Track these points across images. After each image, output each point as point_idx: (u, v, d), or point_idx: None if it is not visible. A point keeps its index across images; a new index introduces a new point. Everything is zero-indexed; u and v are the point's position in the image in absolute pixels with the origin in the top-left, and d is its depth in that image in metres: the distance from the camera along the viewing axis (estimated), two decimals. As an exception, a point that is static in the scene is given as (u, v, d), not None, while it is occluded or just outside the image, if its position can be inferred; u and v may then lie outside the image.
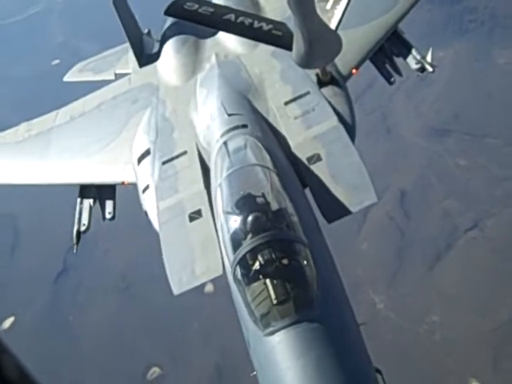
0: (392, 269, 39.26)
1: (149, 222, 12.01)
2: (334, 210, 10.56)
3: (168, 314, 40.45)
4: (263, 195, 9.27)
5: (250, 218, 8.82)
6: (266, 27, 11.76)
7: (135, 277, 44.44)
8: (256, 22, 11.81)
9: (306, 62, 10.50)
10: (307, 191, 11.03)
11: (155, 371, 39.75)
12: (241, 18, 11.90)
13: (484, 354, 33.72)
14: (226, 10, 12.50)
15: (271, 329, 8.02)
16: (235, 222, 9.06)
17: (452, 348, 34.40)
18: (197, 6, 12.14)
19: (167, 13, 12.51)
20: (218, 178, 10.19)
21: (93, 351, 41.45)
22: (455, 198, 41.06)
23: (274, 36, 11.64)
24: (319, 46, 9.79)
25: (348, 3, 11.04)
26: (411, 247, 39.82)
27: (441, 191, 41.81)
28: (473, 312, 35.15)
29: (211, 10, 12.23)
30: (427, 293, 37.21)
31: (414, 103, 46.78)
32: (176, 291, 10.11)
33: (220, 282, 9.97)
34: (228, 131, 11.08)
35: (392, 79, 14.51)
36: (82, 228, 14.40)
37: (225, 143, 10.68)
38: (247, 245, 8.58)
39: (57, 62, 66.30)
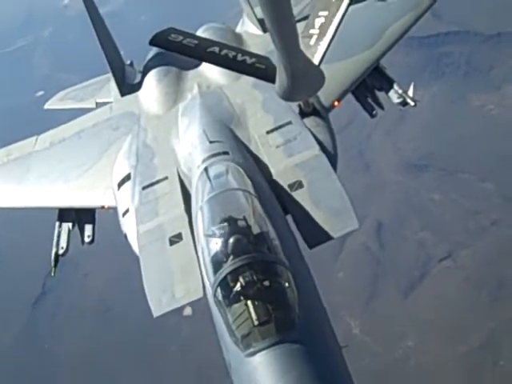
0: (368, 296, 41.27)
1: (128, 246, 12.18)
2: (316, 235, 10.78)
3: (146, 337, 41.91)
4: (244, 218, 9.34)
5: (231, 241, 8.88)
6: (249, 60, 11.85)
7: (114, 300, 45.65)
8: (240, 55, 11.91)
9: (288, 96, 10.64)
10: (289, 218, 11.24)
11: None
12: (225, 51, 12.03)
13: (457, 377, 35.73)
14: (210, 42, 12.66)
15: (252, 350, 8.12)
16: (216, 244, 9.13)
17: (426, 373, 36.35)
18: (181, 37, 12.31)
19: (152, 43, 12.59)
20: (199, 201, 10.31)
21: (70, 374, 42.66)
22: (430, 230, 43.44)
23: (258, 69, 11.74)
24: (302, 81, 9.90)
25: (331, 40, 11.07)
26: (386, 276, 41.90)
27: (416, 223, 44.15)
28: (446, 338, 37.28)
29: (195, 41, 12.38)
30: (402, 319, 39.20)
31: (392, 140, 49.37)
32: (156, 313, 10.29)
33: (198, 305, 10.28)
34: (209, 157, 11.30)
35: (374, 112, 14.92)
36: (61, 251, 14.59)
37: (206, 169, 10.81)
38: (228, 266, 8.63)
39: (41, 93, 68.26)
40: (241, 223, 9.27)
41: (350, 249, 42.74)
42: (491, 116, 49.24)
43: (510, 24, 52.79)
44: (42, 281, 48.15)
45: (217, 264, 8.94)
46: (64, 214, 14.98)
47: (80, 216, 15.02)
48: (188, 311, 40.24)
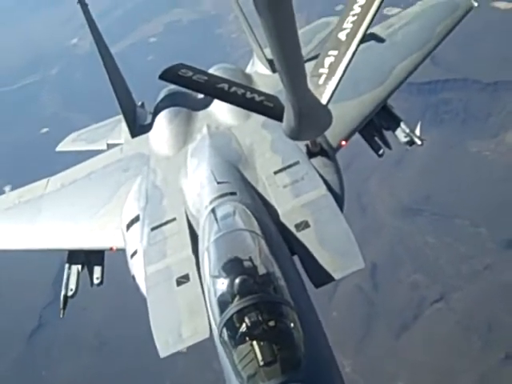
0: (360, 336, 42.73)
1: (136, 287, 12.32)
2: (322, 275, 10.85)
3: (140, 372, 43.24)
4: (250, 259, 9.42)
5: (236, 281, 8.97)
6: (258, 98, 11.95)
7: (109, 335, 47.05)
8: (248, 93, 12.02)
9: (295, 135, 10.72)
10: (296, 258, 11.30)
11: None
12: (234, 88, 12.13)
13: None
14: (220, 79, 12.81)
15: None
16: (222, 284, 9.21)
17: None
18: (191, 73, 12.38)
19: (162, 77, 12.59)
20: (206, 242, 10.42)
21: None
22: (423, 273, 44.99)
23: (266, 107, 11.83)
24: (309, 121, 10.04)
25: (340, 80, 11.10)
26: (379, 317, 43.25)
27: (410, 266, 45.78)
28: (436, 380, 38.54)
29: (205, 78, 12.50)
30: (394, 359, 40.54)
31: (389, 184, 51.13)
32: (162, 354, 10.31)
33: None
34: (217, 198, 11.44)
35: (381, 151, 15.09)
36: (70, 293, 14.73)
37: (213, 210, 10.94)
38: (234, 306, 8.71)
39: (45, 130, 71.22)
40: (247, 264, 9.39)
41: (344, 289, 43.97)
42: (487, 162, 51.05)
43: (507, 73, 55.01)
44: (38, 313, 49.73)
45: (223, 304, 9.05)
46: (73, 256, 15.15)
47: (89, 258, 15.16)
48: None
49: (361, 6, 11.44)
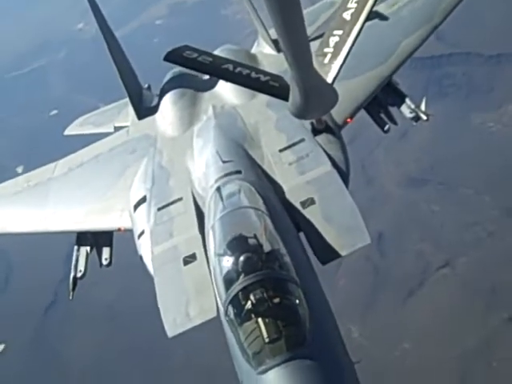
0: (367, 302, 44.34)
1: (144, 267, 12.49)
2: (328, 252, 10.87)
3: (153, 341, 44.92)
4: (255, 236, 9.49)
5: (241, 259, 9.04)
6: (263, 78, 12.06)
7: (121, 308, 48.70)
8: (254, 73, 12.16)
9: (301, 114, 10.88)
10: (302, 235, 11.40)
11: (142, 394, 43.64)
12: (239, 69, 12.25)
13: (451, 378, 38.67)
14: (225, 60, 12.94)
15: (264, 367, 8.27)
16: (227, 262, 9.31)
17: (421, 373, 39.09)
18: (196, 54, 12.49)
19: (166, 59, 12.77)
20: (211, 220, 10.54)
21: (80, 376, 45.80)
22: (429, 241, 46.57)
23: (271, 87, 11.95)
24: (315, 99, 10.07)
25: (345, 59, 11.21)
26: (386, 284, 44.83)
27: (416, 234, 47.32)
28: (442, 340, 40.12)
29: (210, 59, 12.60)
30: (400, 324, 42.13)
31: (394, 156, 52.39)
32: (170, 334, 10.40)
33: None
34: (222, 177, 11.58)
35: (386, 127, 15.15)
36: (79, 274, 15.01)
37: (218, 188, 11.08)
38: (239, 284, 8.80)
39: (55, 112, 72.73)
40: (251, 241, 9.46)
41: (351, 258, 44.45)
42: (490, 133, 52.61)
43: (510, 46, 56.36)
44: (53, 289, 51.38)
45: (228, 282, 9.12)
46: (82, 238, 15.42)
47: (97, 239, 15.46)
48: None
49: None
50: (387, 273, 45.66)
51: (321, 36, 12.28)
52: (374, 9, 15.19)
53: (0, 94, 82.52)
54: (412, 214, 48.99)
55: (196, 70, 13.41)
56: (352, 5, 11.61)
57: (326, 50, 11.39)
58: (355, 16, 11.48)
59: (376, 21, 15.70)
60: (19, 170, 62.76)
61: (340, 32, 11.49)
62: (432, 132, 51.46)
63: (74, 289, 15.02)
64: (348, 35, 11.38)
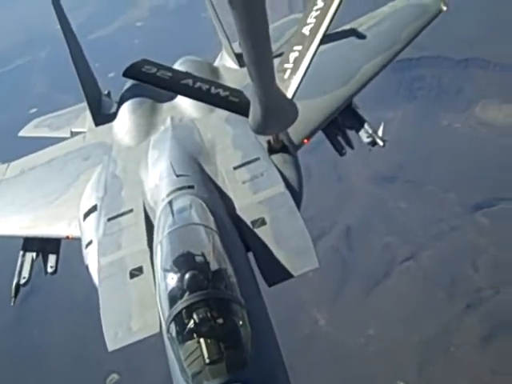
0: (334, 293, 46.98)
1: (89, 277, 12.18)
2: (275, 273, 10.84)
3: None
4: (203, 254, 9.40)
5: (187, 276, 8.96)
6: (223, 93, 12.10)
7: (96, 291, 50.83)
8: (213, 88, 12.17)
9: (261, 129, 10.77)
10: (250, 255, 11.31)
11: (113, 377, 46.17)
12: (198, 84, 12.28)
13: (411, 361, 41.53)
14: (184, 75, 13.00)
15: None
16: (172, 279, 9.19)
17: (384, 357, 41.95)
18: (155, 69, 12.48)
19: (125, 75, 12.62)
20: (160, 235, 10.36)
21: (56, 361, 47.89)
22: (395, 235, 49.59)
23: (231, 102, 11.96)
24: (275, 114, 10.10)
25: (304, 74, 11.24)
26: (352, 275, 47.55)
27: (382, 229, 50.33)
28: (404, 327, 43.09)
29: (169, 74, 12.59)
30: (365, 312, 44.96)
31: (364, 155, 55.62)
32: (110, 347, 10.21)
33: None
34: (174, 191, 11.47)
35: (343, 151, 15.34)
36: (22, 281, 14.61)
37: (170, 202, 10.96)
38: (183, 302, 8.70)
39: (34, 110, 74.53)
40: (198, 259, 9.34)
41: (320, 250, 47.09)
42: (457, 134, 56.08)
43: (477, 51, 59.89)
44: (31, 280, 53.39)
45: (172, 299, 9.00)
46: (28, 244, 15.01)
47: (44, 246, 15.06)
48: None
49: (324, 1, 11.82)
50: (354, 265, 48.46)
51: (282, 54, 12.24)
52: (342, 28, 16.51)
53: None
54: (380, 209, 52.04)
55: (155, 85, 13.13)
56: (311, 20, 11.77)
57: (286, 65, 11.51)
58: (314, 31, 11.64)
59: (339, 43, 15.99)
60: (-2, 166, 65.04)
61: (299, 47, 11.62)
62: (402, 132, 54.37)
63: (16, 295, 14.66)
64: (307, 50, 11.50)
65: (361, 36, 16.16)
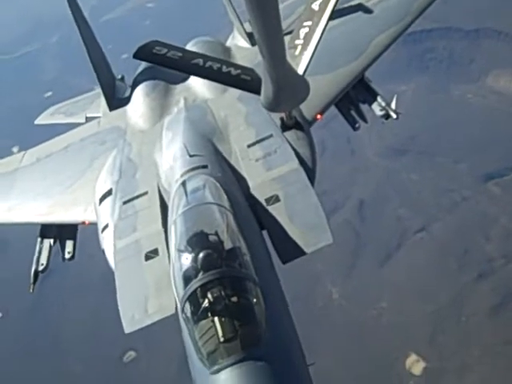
0: (348, 265, 47.78)
1: (106, 261, 12.23)
2: (290, 250, 10.85)
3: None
4: (217, 233, 9.39)
5: (201, 255, 8.95)
6: (234, 72, 12.04)
7: (113, 274, 51.97)
8: (224, 67, 12.11)
9: (273, 106, 10.78)
10: (265, 233, 11.29)
11: (131, 355, 47.54)
12: (209, 63, 12.20)
13: (423, 332, 42.15)
14: (195, 54, 12.88)
15: (217, 367, 8.21)
16: (187, 259, 9.19)
17: (396, 328, 42.64)
18: (165, 50, 12.42)
19: (136, 56, 12.59)
20: (174, 215, 10.38)
21: (76, 339, 49.25)
22: (407, 207, 50.12)
23: (242, 80, 11.93)
24: (287, 91, 10.07)
25: (315, 50, 11.19)
26: (366, 247, 48.23)
27: (395, 201, 50.89)
28: (416, 299, 43.68)
29: (180, 54, 12.52)
30: (378, 284, 45.64)
31: (377, 128, 55.59)
32: (127, 329, 10.28)
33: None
34: (188, 171, 11.41)
35: (357, 125, 15.07)
36: (40, 268, 14.67)
37: (183, 183, 10.94)
38: (197, 281, 8.70)
39: (49, 94, 75.76)
40: (212, 238, 9.34)
41: (334, 224, 47.67)
42: (469, 104, 56.22)
43: (488, 20, 59.67)
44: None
45: (186, 279, 8.98)
46: (46, 230, 15.13)
47: (61, 232, 15.14)
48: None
49: None
50: (367, 237, 49.09)
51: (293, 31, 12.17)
52: (351, 2, 16.20)
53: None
54: (392, 182, 52.54)
55: (166, 66, 13.08)
56: None
57: (296, 41, 11.46)
58: (323, 6, 11.53)
59: (350, 16, 15.79)
60: (15, 149, 66.04)
61: (309, 23, 11.54)
62: (414, 103, 54.70)
63: (34, 282, 14.66)
64: (317, 25, 11.41)
65: (371, 9, 15.87)
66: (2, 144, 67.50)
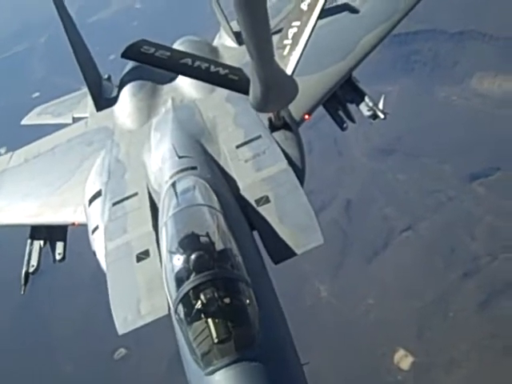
0: (335, 264, 48.63)
1: (97, 261, 12.28)
2: (281, 251, 10.83)
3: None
4: (208, 235, 9.44)
5: (193, 257, 8.99)
6: (222, 71, 12.10)
7: (104, 276, 52.36)
8: (212, 67, 12.15)
9: (262, 106, 10.84)
10: (256, 234, 11.32)
11: (121, 352, 48.36)
12: (197, 63, 12.25)
13: (411, 328, 43.13)
14: (183, 54, 12.94)
15: (212, 368, 8.28)
16: (178, 260, 9.23)
17: (384, 325, 43.59)
18: (153, 49, 12.42)
19: (124, 55, 12.61)
20: (164, 217, 10.41)
21: (66, 337, 49.91)
22: (393, 206, 51.16)
23: (231, 80, 11.99)
24: (276, 91, 10.09)
25: (303, 50, 11.24)
26: (353, 246, 49.13)
27: (381, 201, 51.91)
28: (404, 296, 44.66)
29: (168, 53, 12.54)
30: (365, 282, 46.65)
31: (363, 129, 56.36)
32: (121, 331, 10.32)
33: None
34: (177, 173, 11.49)
35: (344, 125, 15.16)
36: (31, 269, 14.73)
37: (173, 184, 10.98)
38: (189, 283, 8.75)
39: (37, 94, 75.88)
40: (203, 239, 9.37)
41: (321, 223, 47.80)
42: (453, 106, 57.41)
43: (472, 23, 60.92)
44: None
45: (179, 280, 9.04)
46: (36, 232, 15.14)
47: (51, 233, 15.18)
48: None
49: None
50: (354, 236, 50.06)
51: (281, 30, 12.18)
52: (339, 1, 16.31)
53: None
54: (378, 182, 53.60)
55: (154, 65, 13.26)
56: None
57: (285, 41, 11.47)
58: (311, 6, 11.55)
59: (337, 16, 15.84)
60: (2, 150, 66.26)
61: (298, 23, 11.55)
62: (399, 105, 55.38)
63: (25, 283, 14.77)
64: (305, 25, 11.44)
65: (358, 8, 15.99)
66: (-11, 145, 67.60)
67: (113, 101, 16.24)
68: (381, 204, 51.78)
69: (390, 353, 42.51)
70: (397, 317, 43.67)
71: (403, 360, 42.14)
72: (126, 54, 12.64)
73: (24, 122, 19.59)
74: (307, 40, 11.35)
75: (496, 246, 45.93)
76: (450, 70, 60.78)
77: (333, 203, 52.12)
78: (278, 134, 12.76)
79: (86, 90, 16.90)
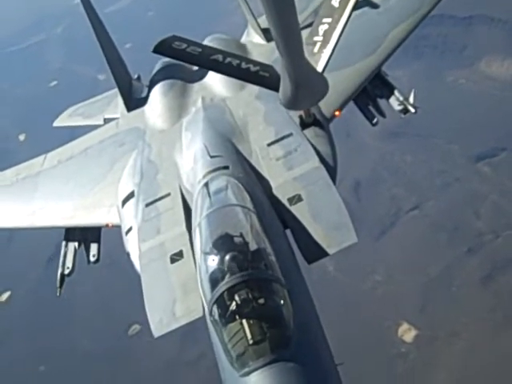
0: (342, 241, 50.26)
1: (131, 264, 12.37)
2: (314, 250, 10.88)
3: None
4: (241, 235, 9.43)
5: (227, 258, 8.97)
6: (253, 68, 11.99)
7: (119, 255, 54.25)
8: (243, 63, 12.06)
9: (292, 104, 10.83)
10: (288, 232, 11.30)
11: (135, 328, 49.75)
12: (228, 59, 12.14)
13: (414, 302, 44.72)
14: (214, 50, 12.81)
15: (247, 369, 8.28)
16: (213, 261, 9.22)
17: (389, 299, 45.22)
18: (185, 45, 12.35)
19: (155, 51, 12.57)
20: (198, 218, 10.41)
21: (82, 314, 51.76)
22: (401, 187, 52.65)
23: (261, 77, 11.88)
24: (306, 88, 10.07)
25: (335, 47, 11.25)
26: (361, 224, 49.57)
27: (389, 181, 53.45)
28: (409, 272, 46.20)
29: (199, 49, 12.45)
30: (372, 259, 48.07)
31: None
32: (156, 334, 10.38)
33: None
34: (210, 172, 11.45)
35: (375, 120, 15.08)
36: (66, 271, 15.05)
37: (206, 184, 10.96)
38: (224, 284, 8.71)
39: (54, 83, 78.32)
40: (237, 240, 9.39)
41: None
42: (462, 89, 58.82)
43: (480, 7, 62.23)
44: (54, 242, 56.89)
45: (213, 282, 9.02)
46: (70, 233, 15.44)
47: (86, 235, 15.49)
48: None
49: None
50: (362, 215, 50.59)
51: (310, 25, 12.18)
52: None
53: (1, 67, 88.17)
54: (387, 163, 55.11)
55: (185, 61, 13.19)
56: None
57: (315, 38, 11.45)
58: (343, 3, 11.50)
59: (365, 10, 15.55)
60: (21, 137, 68.83)
61: (329, 20, 11.48)
62: (409, 88, 56.94)
63: (61, 286, 15.08)
64: (337, 22, 11.38)
65: (384, 2, 15.82)
66: (10, 132, 70.09)
67: (143, 101, 16.44)
68: (389, 184, 53.28)
69: (394, 326, 44.00)
70: (402, 291, 45.24)
71: (407, 333, 43.61)
72: (157, 50, 12.62)
73: (56, 124, 19.66)
74: (339, 37, 11.49)
75: (500, 224, 47.32)
76: (458, 53, 62.16)
77: (342, 184, 53.12)
78: (308, 132, 12.83)
79: (115, 90, 17.17)
